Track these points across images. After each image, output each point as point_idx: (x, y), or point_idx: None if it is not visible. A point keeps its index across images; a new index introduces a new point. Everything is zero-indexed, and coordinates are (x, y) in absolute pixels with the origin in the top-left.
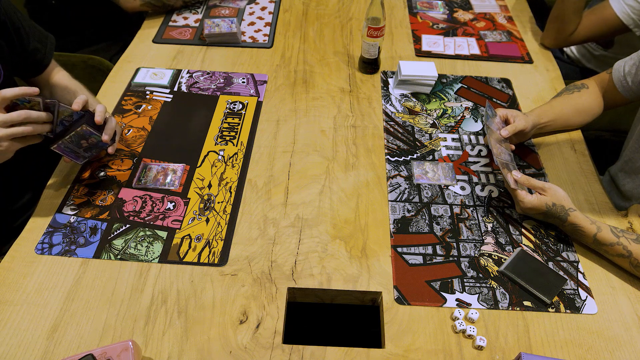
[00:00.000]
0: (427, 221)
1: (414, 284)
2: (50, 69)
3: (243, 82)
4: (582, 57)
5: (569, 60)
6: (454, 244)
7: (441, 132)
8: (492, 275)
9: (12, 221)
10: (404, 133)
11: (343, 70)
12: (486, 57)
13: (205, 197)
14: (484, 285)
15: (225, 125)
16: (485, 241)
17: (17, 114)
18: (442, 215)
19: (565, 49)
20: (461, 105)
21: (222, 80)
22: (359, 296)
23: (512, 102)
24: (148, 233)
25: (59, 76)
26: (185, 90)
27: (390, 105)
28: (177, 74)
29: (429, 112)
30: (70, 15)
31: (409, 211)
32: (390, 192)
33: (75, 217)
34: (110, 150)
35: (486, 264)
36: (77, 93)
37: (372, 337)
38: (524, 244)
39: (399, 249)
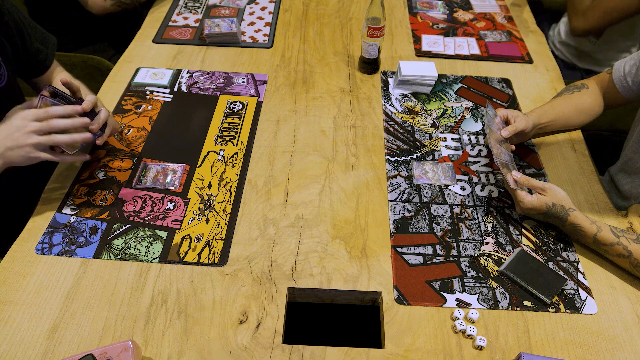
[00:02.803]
0: (427, 221)
1: (414, 284)
2: (52, 69)
3: (243, 82)
4: (572, 56)
5: (560, 62)
6: (454, 244)
7: (441, 132)
8: (492, 275)
9: (12, 221)
10: (404, 133)
11: (343, 70)
12: (486, 57)
13: (205, 197)
14: (484, 285)
15: (225, 125)
16: (485, 241)
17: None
18: (442, 215)
19: (553, 50)
20: (461, 105)
21: (222, 80)
22: (359, 296)
23: (512, 102)
24: (148, 233)
25: (61, 76)
26: (185, 90)
27: (390, 105)
28: (177, 74)
29: (429, 112)
30: (70, 13)
31: (409, 211)
32: (390, 192)
33: (75, 217)
34: (98, 141)
35: (486, 264)
36: (78, 92)
37: (372, 337)
38: (524, 244)
39: (399, 249)
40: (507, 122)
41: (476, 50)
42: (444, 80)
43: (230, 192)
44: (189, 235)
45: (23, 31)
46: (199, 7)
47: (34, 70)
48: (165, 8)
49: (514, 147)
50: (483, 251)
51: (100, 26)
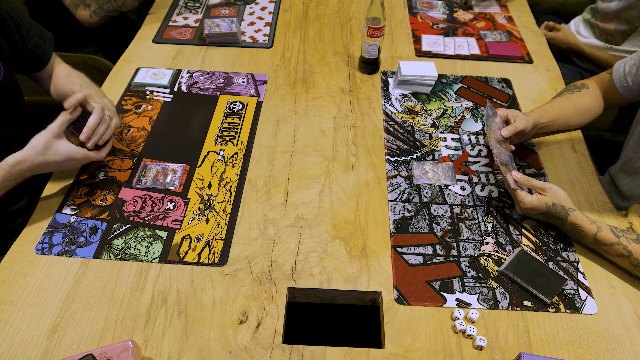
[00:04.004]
0: (427, 221)
1: (414, 284)
2: (51, 63)
3: (243, 82)
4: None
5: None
6: (454, 244)
7: (441, 132)
8: (492, 275)
9: (12, 221)
10: (404, 133)
11: (343, 70)
12: (486, 57)
13: (205, 197)
14: (484, 285)
15: (225, 125)
16: (485, 241)
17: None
18: (442, 215)
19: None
20: (461, 105)
21: (222, 80)
22: (359, 296)
23: (512, 102)
24: (148, 233)
25: (60, 67)
26: (185, 90)
27: (390, 105)
28: (177, 74)
29: (429, 112)
30: (70, 14)
31: (409, 211)
32: (390, 192)
33: (75, 217)
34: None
35: (486, 264)
36: (80, 79)
37: (372, 337)
38: (524, 244)
39: (399, 249)
40: (507, 122)
41: (476, 50)
42: (444, 80)
43: (230, 192)
44: (189, 235)
45: (21, 27)
46: (199, 7)
47: (34, 65)
48: (165, 8)
49: (513, 148)
50: (483, 251)
51: (99, 26)
